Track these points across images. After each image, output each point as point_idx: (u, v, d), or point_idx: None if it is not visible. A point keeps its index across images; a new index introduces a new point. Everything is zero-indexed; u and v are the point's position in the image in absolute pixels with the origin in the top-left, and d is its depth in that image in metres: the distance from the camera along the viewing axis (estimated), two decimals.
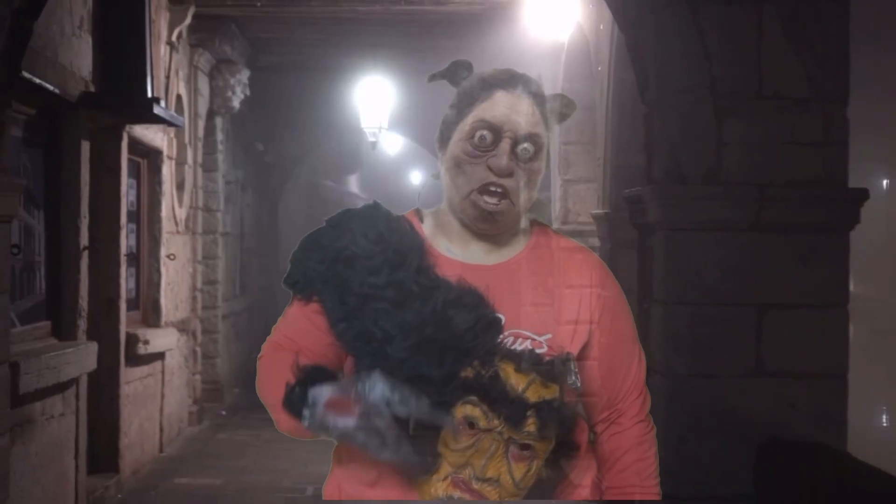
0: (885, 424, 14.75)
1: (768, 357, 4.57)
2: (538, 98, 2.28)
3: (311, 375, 2.14)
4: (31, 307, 6.00)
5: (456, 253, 2.31)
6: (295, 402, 2.11)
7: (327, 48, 11.44)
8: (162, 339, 8.23)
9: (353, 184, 28.71)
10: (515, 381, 2.14)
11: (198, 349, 10.10)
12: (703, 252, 4.55)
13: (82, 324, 6.46)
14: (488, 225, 2.27)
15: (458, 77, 2.36)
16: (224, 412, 10.72)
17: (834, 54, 4.63)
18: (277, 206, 16.30)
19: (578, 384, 2.21)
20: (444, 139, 2.31)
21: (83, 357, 6.26)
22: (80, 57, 6.39)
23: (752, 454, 4.55)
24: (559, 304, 2.30)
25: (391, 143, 21.12)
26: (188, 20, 8.77)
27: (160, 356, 8.34)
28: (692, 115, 4.59)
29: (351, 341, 2.19)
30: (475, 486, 2.14)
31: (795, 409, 4.57)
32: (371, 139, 12.26)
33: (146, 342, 7.64)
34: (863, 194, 4.62)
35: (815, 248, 4.59)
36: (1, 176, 4.72)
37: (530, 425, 2.13)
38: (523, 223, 2.38)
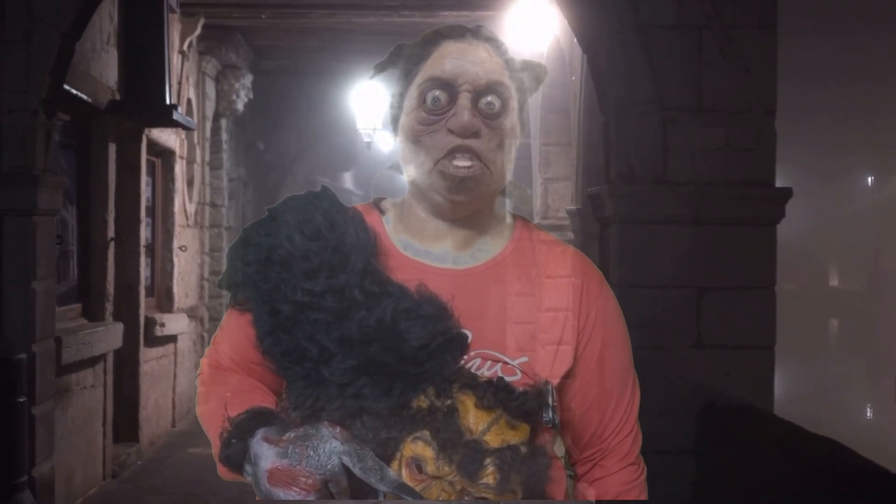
0: (869, 417, 15.38)
1: (707, 332, 5.29)
2: (495, 43, 1.89)
3: (248, 423, 1.78)
4: (65, 291, 6.76)
5: (419, 252, 1.91)
6: (233, 457, 1.78)
7: (325, 54, 12.13)
8: (175, 324, 8.99)
9: (349, 180, 29.39)
10: (474, 419, 1.76)
11: (205, 334, 10.84)
12: (652, 242, 5.27)
13: (109, 307, 7.24)
14: (463, 195, 1.85)
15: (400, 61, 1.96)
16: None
17: (764, 74, 5.38)
18: (276, 202, 16.99)
19: (556, 421, 1.82)
20: (394, 117, 1.93)
21: (111, 335, 7.04)
22: (107, 69, 7.16)
23: (693, 415, 5.29)
24: (540, 322, 1.89)
25: (384, 142, 21.83)
26: (198, 31, 9.51)
27: (173, 339, 9.09)
28: (642, 125, 5.35)
29: (280, 360, 1.82)
30: None
31: (730, 377, 5.33)
32: (366, 139, 12.99)
33: (162, 325, 8.41)
34: (787, 193, 5.39)
35: (747, 239, 5.34)
36: (49, 175, 5.50)
37: (488, 476, 1.74)
38: (507, 218, 2.01)
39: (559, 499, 1.86)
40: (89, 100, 6.66)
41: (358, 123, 12.95)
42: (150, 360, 8.37)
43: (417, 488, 1.70)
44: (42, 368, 5.40)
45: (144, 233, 8.25)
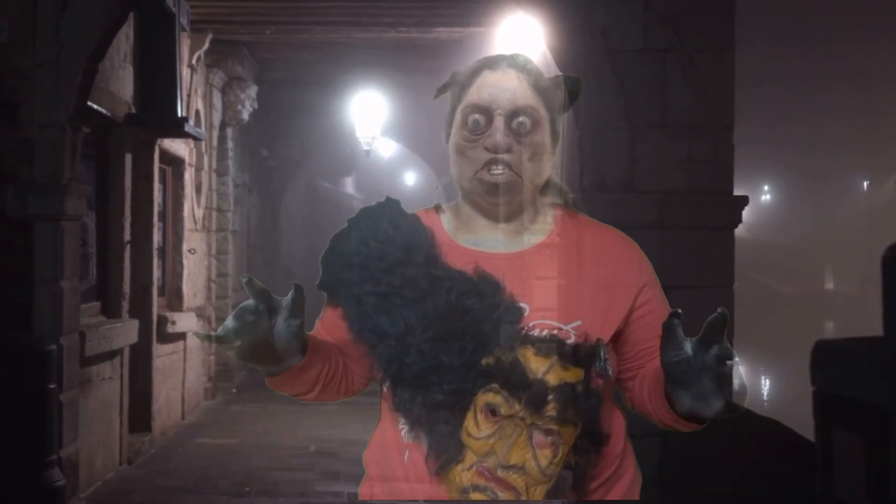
0: None
1: None
2: (526, 70, 2.21)
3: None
4: (86, 290, 7.31)
5: (474, 243, 2.24)
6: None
7: (326, 66, 12.66)
8: (184, 322, 9.54)
9: (349, 185, 30.02)
10: (535, 364, 2.06)
11: (212, 333, 11.39)
12: None
13: (125, 305, 7.81)
14: (497, 199, 2.18)
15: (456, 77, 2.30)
16: (234, 390, 12.01)
17: (722, 93, 5.97)
18: (279, 206, 17.54)
19: (609, 370, 2.09)
20: (447, 135, 2.26)
21: (127, 331, 7.61)
22: (124, 85, 7.73)
23: None
24: (589, 291, 2.17)
25: (385, 148, 22.40)
26: (206, 45, 10.08)
27: (182, 336, 9.64)
28: (612, 139, 5.92)
29: (370, 337, 2.15)
30: (500, 474, 2.05)
31: None
32: (365, 147, 13.55)
33: (173, 323, 8.98)
34: (744, 201, 5.96)
35: (707, 242, 5.90)
36: (75, 184, 6.07)
37: (551, 409, 2.04)
38: (549, 213, 2.28)
39: (618, 428, 2.17)
40: (108, 114, 7.22)
41: (357, 132, 13.50)
42: (162, 355, 8.93)
43: (492, 429, 2.05)
44: (69, 359, 5.97)
45: (157, 236, 8.81)
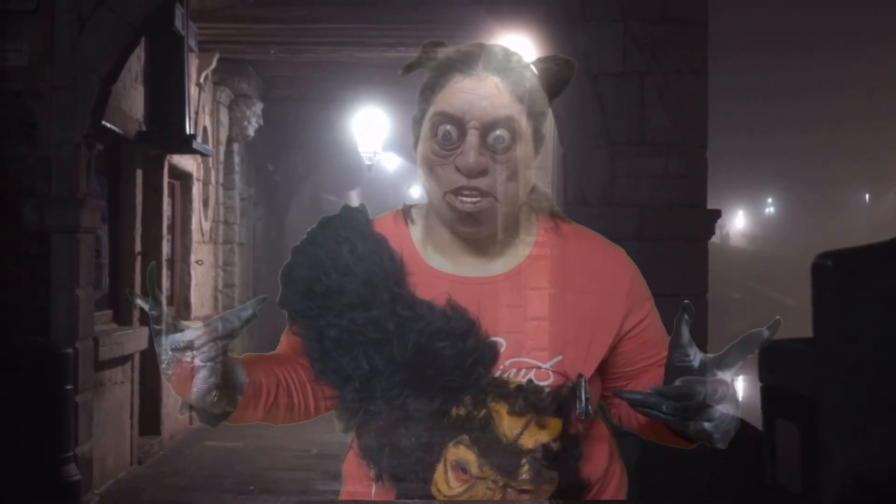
0: None
1: None
2: (505, 73, 1.90)
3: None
4: (99, 298, 7.71)
5: (446, 265, 1.99)
6: None
7: (329, 83, 13.06)
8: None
9: (355, 198, 30.38)
10: (508, 426, 1.89)
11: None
12: None
13: (136, 313, 8.20)
14: (471, 228, 1.93)
15: (429, 61, 1.99)
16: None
17: (696, 113, 6.35)
18: (285, 219, 17.89)
19: (590, 410, 1.88)
20: (415, 140, 1.99)
21: (138, 338, 8.01)
22: (135, 104, 8.15)
23: None
24: (571, 319, 1.94)
25: (389, 162, 22.80)
26: (213, 65, 10.51)
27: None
28: (592, 156, 6.31)
29: (332, 378, 1.95)
30: None
31: None
32: (367, 162, 13.94)
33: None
34: (716, 214, 6.35)
35: (682, 253, 6.27)
36: (89, 199, 6.47)
37: (525, 473, 1.89)
38: (531, 227, 2.03)
39: (604, 455, 2.00)
40: (120, 132, 7.64)
41: (359, 147, 13.90)
42: None
43: (464, 487, 1.90)
44: (83, 363, 6.37)
45: (166, 248, 9.22)
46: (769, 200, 53.08)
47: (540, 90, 1.95)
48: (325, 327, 1.94)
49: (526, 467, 1.90)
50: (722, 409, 1.76)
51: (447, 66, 1.92)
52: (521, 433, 1.90)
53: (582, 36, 6.31)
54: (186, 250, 10.12)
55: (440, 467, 1.92)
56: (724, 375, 1.76)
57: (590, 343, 1.95)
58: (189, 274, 10.12)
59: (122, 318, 8.09)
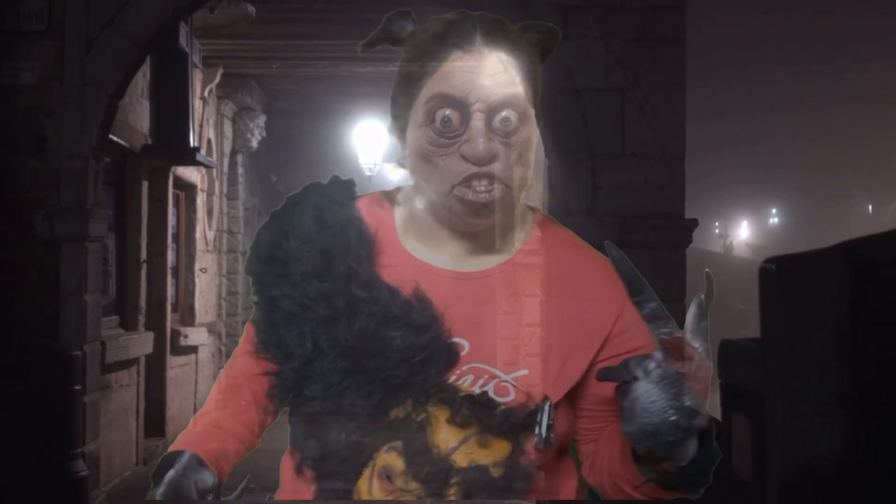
0: None
1: None
2: (507, 46, 1.72)
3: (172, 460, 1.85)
4: (106, 304, 8.02)
5: (424, 253, 1.80)
6: (156, 472, 1.85)
7: (330, 96, 13.37)
8: (196, 336, 10.27)
9: None
10: (444, 436, 1.69)
11: (223, 347, 12.11)
12: None
13: (141, 319, 8.53)
14: (485, 219, 1.73)
15: (399, 34, 1.81)
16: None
17: (674, 126, 6.66)
18: None
19: (551, 440, 1.66)
20: (399, 126, 1.78)
21: (143, 342, 8.33)
22: (141, 118, 8.48)
23: None
24: (547, 332, 1.74)
25: (392, 171, 23.10)
26: (217, 79, 10.84)
27: (195, 349, 10.36)
28: (576, 168, 6.62)
29: (273, 351, 1.81)
30: None
31: None
32: (367, 173, 14.24)
33: (186, 336, 9.70)
34: (693, 223, 6.65)
35: (661, 260, 6.56)
36: (97, 209, 6.79)
37: (452, 494, 1.70)
38: (527, 222, 1.87)
39: (572, 490, 1.79)
40: (127, 145, 7.97)
41: (360, 159, 14.20)
42: (175, 366, 9.65)
43: (386, 499, 1.70)
44: (91, 365, 6.68)
45: (171, 256, 9.55)
46: (773, 211, 53.28)
47: (536, 62, 1.79)
48: (278, 297, 1.80)
49: (455, 488, 1.69)
50: (641, 387, 1.53)
51: (439, 42, 1.70)
52: (457, 448, 1.68)
53: (566, 53, 6.61)
54: (191, 259, 10.44)
55: (367, 472, 1.73)
56: (663, 354, 1.56)
57: (563, 364, 1.72)
58: (193, 282, 10.44)
59: (129, 323, 8.41)
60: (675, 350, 1.56)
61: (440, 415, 1.70)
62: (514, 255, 1.83)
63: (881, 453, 3.67)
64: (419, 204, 1.83)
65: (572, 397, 1.77)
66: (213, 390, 2.08)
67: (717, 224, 63.90)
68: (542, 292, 1.79)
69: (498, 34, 1.73)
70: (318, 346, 1.75)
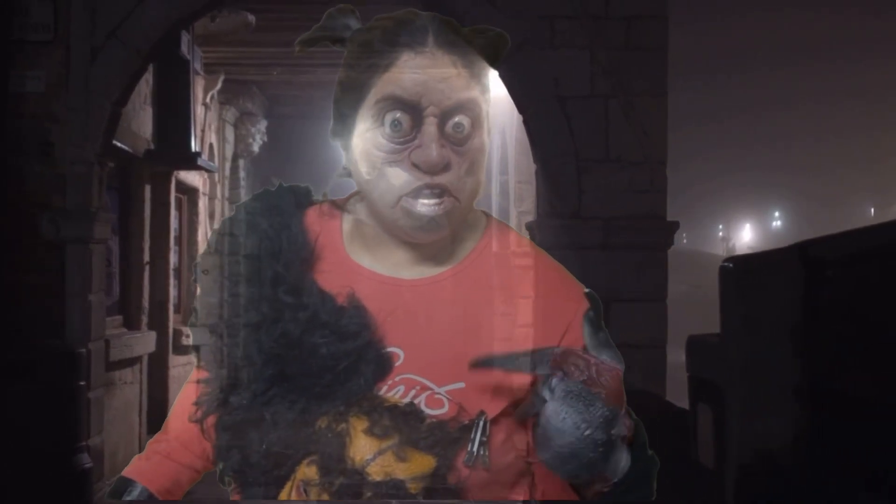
0: None
1: (614, 334, 6.70)
2: (461, 48, 1.63)
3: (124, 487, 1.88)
4: (110, 305, 8.28)
5: (366, 259, 1.73)
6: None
7: (328, 101, 13.61)
8: (198, 336, 10.49)
9: None
10: (359, 447, 1.61)
11: (224, 348, 12.34)
12: (569, 264, 6.74)
13: (144, 318, 8.80)
14: (432, 234, 1.65)
15: (341, 33, 1.74)
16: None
17: (657, 132, 6.90)
18: None
19: (485, 458, 1.58)
20: (343, 128, 1.74)
21: (146, 341, 8.60)
22: (144, 124, 8.74)
23: None
24: (490, 341, 1.66)
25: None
26: (219, 85, 11.10)
27: (197, 349, 10.59)
28: (562, 172, 6.86)
29: (210, 363, 1.82)
30: None
31: (631, 370, 6.78)
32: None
33: (187, 336, 9.93)
34: (675, 225, 6.89)
35: (644, 261, 6.80)
36: (101, 212, 7.04)
37: None
38: (476, 229, 1.77)
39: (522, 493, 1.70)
40: (130, 150, 8.23)
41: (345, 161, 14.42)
42: (177, 365, 9.90)
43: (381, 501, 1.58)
44: (95, 362, 6.93)
45: (173, 258, 9.81)
46: (776, 214, 53.42)
47: (487, 67, 1.69)
48: (213, 305, 1.81)
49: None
50: (550, 407, 1.46)
51: (390, 42, 1.61)
52: (372, 460, 1.59)
53: (552, 62, 6.87)
54: (193, 261, 10.70)
55: (289, 486, 1.66)
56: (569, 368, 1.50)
57: (504, 377, 1.61)
58: (195, 283, 10.67)
59: (132, 322, 8.67)
60: (568, 361, 1.47)
61: (358, 425, 1.60)
62: (461, 263, 1.72)
63: (832, 440, 3.91)
64: (365, 212, 1.74)
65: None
66: (170, 413, 2.07)
67: (720, 227, 64.08)
68: (486, 302, 1.68)
69: (451, 36, 1.63)
70: (248, 354, 1.70)
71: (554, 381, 1.48)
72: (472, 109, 1.62)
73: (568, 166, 6.84)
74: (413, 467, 1.59)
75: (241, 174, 13.25)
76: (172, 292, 9.76)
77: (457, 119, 1.60)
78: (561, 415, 1.45)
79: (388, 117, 1.60)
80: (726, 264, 4.09)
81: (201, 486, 2.10)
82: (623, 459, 1.51)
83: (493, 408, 1.62)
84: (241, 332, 1.74)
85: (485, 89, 1.67)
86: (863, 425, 3.67)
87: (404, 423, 1.60)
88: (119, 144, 7.84)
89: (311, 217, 1.82)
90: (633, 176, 6.83)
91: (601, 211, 6.80)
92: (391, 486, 1.60)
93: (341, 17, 1.72)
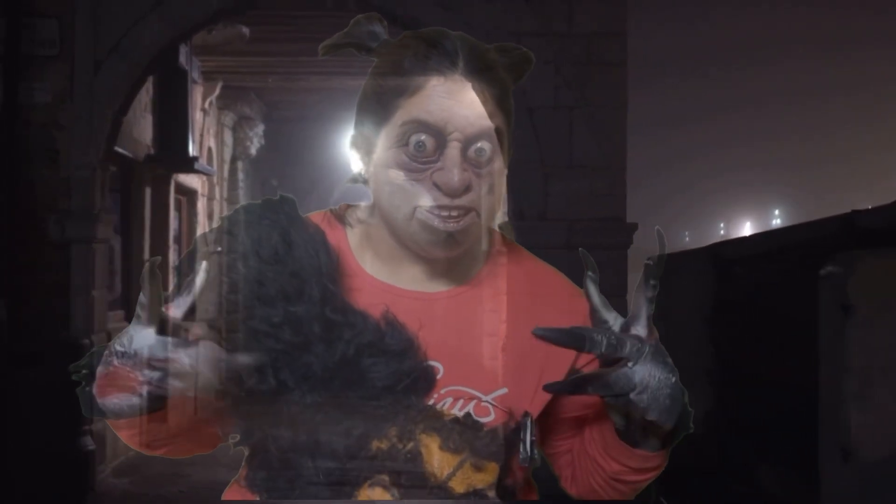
0: None
1: None
2: (489, 76, 1.59)
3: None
4: (112, 300, 8.82)
5: (384, 273, 1.66)
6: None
7: (324, 105, 14.10)
8: (196, 331, 11.03)
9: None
10: (439, 463, 1.57)
11: (223, 343, 12.85)
12: None
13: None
14: (450, 250, 1.60)
15: (364, 40, 1.66)
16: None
17: (617, 141, 7.45)
18: None
19: (535, 456, 1.59)
20: (366, 143, 1.64)
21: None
22: (144, 131, 9.30)
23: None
24: (519, 350, 1.62)
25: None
26: (217, 92, 11.65)
27: (195, 343, 11.13)
28: (529, 178, 7.39)
29: (230, 397, 1.55)
30: None
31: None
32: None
33: (186, 330, 10.49)
34: (633, 227, 7.43)
35: (605, 260, 7.30)
36: (104, 213, 7.59)
37: None
38: (485, 237, 1.70)
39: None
40: (131, 155, 8.77)
41: (352, 166, 14.90)
42: None
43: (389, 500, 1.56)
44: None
45: (172, 257, 10.34)
46: (776, 212, 53.80)
47: (510, 88, 1.69)
48: (230, 327, 1.63)
49: None
50: (643, 370, 1.47)
51: (420, 65, 1.57)
52: (453, 474, 1.58)
53: None
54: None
55: None
56: (639, 330, 1.52)
57: (539, 379, 1.62)
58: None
59: (133, 318, 9.23)
60: (638, 328, 1.54)
61: (431, 442, 1.56)
62: (479, 274, 1.70)
63: (738, 417, 4.46)
64: (378, 224, 1.65)
65: (542, 418, 1.67)
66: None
67: (721, 225, 64.37)
68: (511, 309, 1.68)
69: (480, 62, 1.60)
70: (283, 381, 1.54)
71: (645, 347, 1.49)
72: (492, 137, 1.59)
73: (535, 172, 7.37)
74: (487, 476, 1.59)
75: (240, 176, 13.77)
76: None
77: (479, 144, 1.57)
78: (655, 373, 1.47)
79: (413, 139, 1.54)
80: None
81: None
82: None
83: (536, 408, 1.63)
84: (267, 359, 1.55)
85: (509, 114, 1.66)
86: (759, 400, 4.20)
87: (470, 435, 1.58)
88: (121, 150, 8.37)
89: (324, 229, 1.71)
90: (595, 181, 7.36)
91: (565, 213, 7.34)
92: (475, 497, 1.59)
93: (367, 25, 1.67)
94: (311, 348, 1.54)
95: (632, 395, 1.46)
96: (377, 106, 1.59)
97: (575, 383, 1.50)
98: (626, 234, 7.41)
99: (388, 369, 1.54)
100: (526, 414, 1.59)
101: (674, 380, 1.48)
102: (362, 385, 1.54)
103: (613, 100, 7.41)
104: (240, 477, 1.67)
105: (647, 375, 1.46)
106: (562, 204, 7.35)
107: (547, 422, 1.68)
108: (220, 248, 1.65)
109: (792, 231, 4.93)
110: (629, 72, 7.50)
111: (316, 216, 1.71)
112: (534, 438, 1.58)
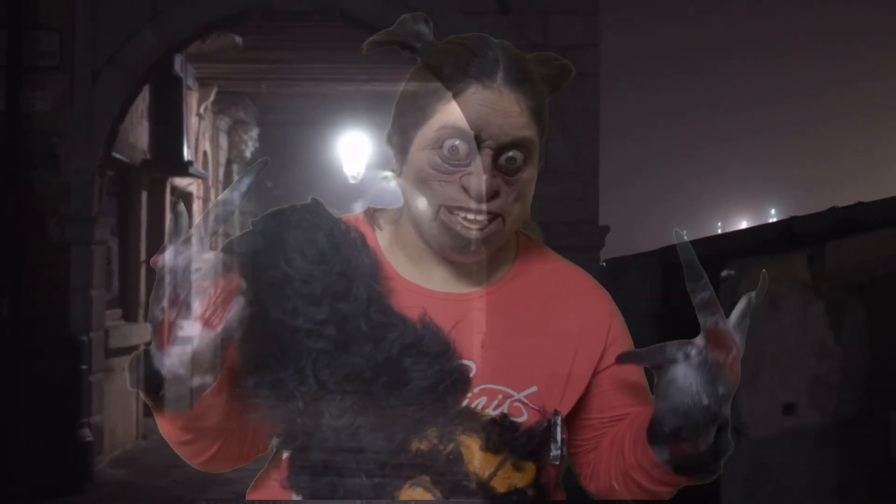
0: None
1: None
2: (527, 87, 1.60)
3: None
4: (110, 299, 9.18)
5: (414, 275, 1.67)
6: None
7: (318, 110, 14.25)
8: (190, 329, 11.40)
9: (358, 209, 31.47)
10: (481, 463, 1.56)
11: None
12: None
13: (141, 311, 9.70)
14: (472, 256, 1.62)
15: (409, 40, 1.67)
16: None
17: (589, 147, 7.81)
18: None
19: (565, 453, 1.61)
20: (402, 141, 1.63)
21: (143, 332, 9.47)
22: (141, 136, 9.66)
23: None
24: (548, 348, 1.65)
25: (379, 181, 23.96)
26: (212, 97, 11.98)
27: (190, 340, 11.49)
28: None
29: (267, 394, 1.53)
30: None
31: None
32: (352, 181, 15.25)
33: (181, 328, 10.86)
34: (605, 229, 7.80)
35: (578, 262, 7.63)
36: (101, 216, 7.95)
37: None
38: (511, 244, 1.77)
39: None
40: (128, 160, 9.12)
41: (344, 168, 15.20)
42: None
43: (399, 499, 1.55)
44: (96, 349, 7.84)
45: None
46: (772, 211, 53.91)
47: (547, 98, 1.69)
48: (268, 329, 1.55)
49: None
50: (685, 369, 1.49)
51: (460, 70, 1.59)
52: (495, 474, 1.58)
53: None
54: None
55: None
56: (699, 339, 1.50)
57: (568, 376, 1.65)
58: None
59: (130, 315, 9.59)
60: (717, 339, 1.50)
61: (472, 443, 1.57)
62: (506, 274, 1.73)
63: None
64: (407, 225, 1.68)
65: (569, 417, 1.67)
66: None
67: (719, 224, 64.52)
68: (539, 307, 1.70)
69: (519, 73, 1.60)
70: (322, 382, 1.54)
71: (693, 350, 1.49)
72: (527, 147, 1.61)
73: None
74: (527, 475, 1.59)
75: (235, 178, 14.08)
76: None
77: (511, 153, 1.59)
78: (689, 380, 1.47)
79: (448, 143, 1.56)
80: (603, 264, 4.95)
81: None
82: (712, 435, 1.52)
83: (565, 406, 1.64)
84: (308, 358, 1.54)
85: (544, 125, 1.67)
86: None
87: (508, 435, 1.59)
88: (118, 156, 8.70)
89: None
90: (568, 186, 7.72)
91: (540, 216, 7.29)
92: (516, 496, 1.59)
93: (413, 25, 1.68)
94: (355, 348, 1.55)
95: (658, 383, 1.50)
96: (415, 108, 1.60)
97: (638, 355, 1.57)
98: (599, 236, 7.77)
99: (430, 369, 1.56)
100: (556, 412, 1.61)
101: (705, 401, 1.47)
102: (405, 385, 1.55)
103: (586, 109, 7.77)
104: (276, 476, 1.63)
105: (681, 376, 1.48)
106: (537, 207, 7.46)
107: (573, 421, 1.69)
108: (199, 268, 1.57)
109: (737, 235, 5.29)
110: (631, 72, 7.94)
111: (348, 219, 1.72)
112: (564, 436, 1.60)
